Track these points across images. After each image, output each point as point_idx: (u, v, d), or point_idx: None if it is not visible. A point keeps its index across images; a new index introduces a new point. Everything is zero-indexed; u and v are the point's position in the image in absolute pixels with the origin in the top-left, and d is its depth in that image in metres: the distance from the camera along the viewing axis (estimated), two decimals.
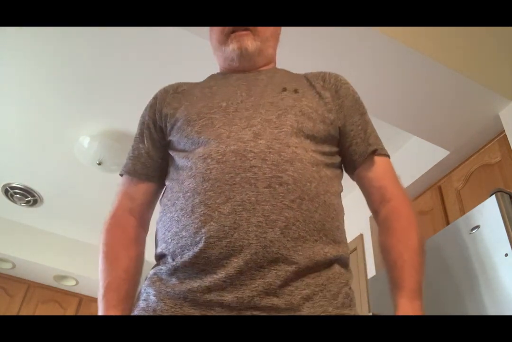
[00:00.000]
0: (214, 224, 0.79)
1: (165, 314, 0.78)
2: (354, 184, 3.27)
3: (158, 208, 1.00)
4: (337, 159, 0.99)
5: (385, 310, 1.99)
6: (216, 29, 1.09)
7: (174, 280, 0.81)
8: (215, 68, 2.30)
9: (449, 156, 2.44)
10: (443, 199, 2.48)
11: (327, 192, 0.90)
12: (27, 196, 3.46)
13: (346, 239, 0.95)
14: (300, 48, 1.97)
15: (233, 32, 1.06)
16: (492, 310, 1.49)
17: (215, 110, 0.94)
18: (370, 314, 2.01)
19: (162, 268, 0.84)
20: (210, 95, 0.99)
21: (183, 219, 0.83)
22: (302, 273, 0.78)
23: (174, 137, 0.97)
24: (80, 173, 3.21)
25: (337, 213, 0.95)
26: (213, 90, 1.02)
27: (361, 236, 2.86)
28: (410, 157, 2.75)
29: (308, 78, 1.05)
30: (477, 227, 1.65)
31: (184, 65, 2.46)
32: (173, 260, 0.82)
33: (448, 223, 2.31)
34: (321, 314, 0.77)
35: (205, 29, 1.89)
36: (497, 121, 2.18)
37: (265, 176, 0.82)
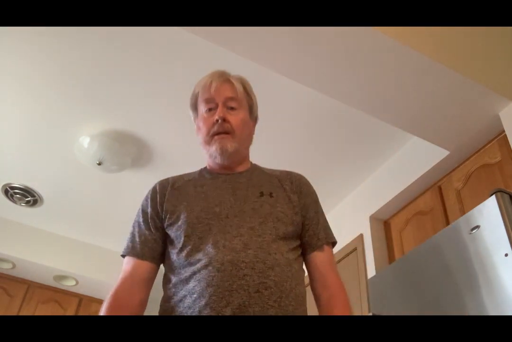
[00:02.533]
0: None
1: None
2: (353, 184, 3.30)
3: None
4: (300, 250, 1.23)
5: (385, 310, 1.98)
6: (203, 130, 1.29)
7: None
8: (213, 69, 2.27)
9: (449, 156, 2.43)
10: (443, 199, 2.48)
11: (297, 284, 1.12)
12: (27, 196, 3.46)
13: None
14: (300, 49, 1.97)
15: (216, 134, 1.26)
16: (492, 310, 1.49)
17: (211, 217, 1.15)
18: (370, 314, 2.01)
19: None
20: (203, 197, 1.21)
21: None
22: None
23: (173, 233, 1.17)
24: (80, 173, 3.21)
25: (303, 298, 1.13)
26: (204, 190, 1.24)
27: (361, 236, 2.86)
28: (410, 157, 2.75)
29: (279, 180, 1.29)
30: (477, 227, 1.65)
31: (184, 66, 2.46)
32: None
33: (448, 223, 2.30)
34: None
35: (206, 29, 1.90)
36: (497, 121, 2.18)
37: (254, 283, 1.04)
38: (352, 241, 2.92)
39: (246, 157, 1.36)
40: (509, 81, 2.12)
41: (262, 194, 1.22)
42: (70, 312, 3.95)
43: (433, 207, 2.51)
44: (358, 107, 2.25)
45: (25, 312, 3.75)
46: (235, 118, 1.28)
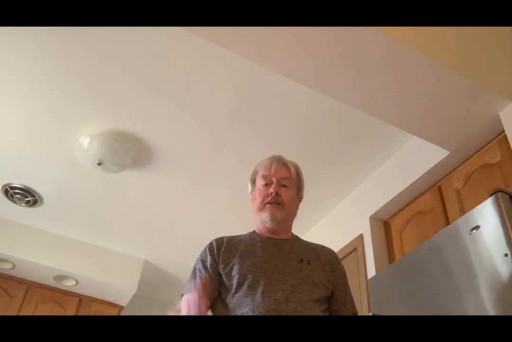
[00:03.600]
0: None
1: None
2: (354, 184, 3.32)
3: None
4: (327, 312, 1.41)
5: (385, 310, 1.98)
6: (258, 199, 1.52)
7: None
8: (213, 70, 2.31)
9: (449, 156, 2.43)
10: (443, 199, 2.47)
11: None
12: (27, 196, 3.46)
13: None
14: (300, 49, 1.96)
15: (269, 203, 1.49)
16: (492, 310, 1.49)
17: (259, 271, 1.37)
18: (370, 314, 2.01)
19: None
20: (253, 254, 1.43)
21: None
22: None
23: (227, 281, 1.38)
24: (80, 173, 3.21)
25: None
26: (254, 249, 1.46)
27: (361, 236, 2.86)
28: (410, 157, 2.75)
29: (315, 251, 1.51)
30: (477, 227, 1.65)
31: (184, 66, 2.46)
32: None
33: (448, 223, 2.30)
34: None
35: (206, 29, 1.90)
36: (497, 121, 2.18)
37: None
38: (352, 241, 2.92)
39: (290, 228, 1.57)
40: (509, 81, 2.12)
41: (301, 260, 1.44)
42: (70, 312, 3.95)
43: (433, 207, 2.51)
44: (358, 107, 2.25)
45: (25, 312, 3.75)
46: (286, 194, 1.51)
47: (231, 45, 1.98)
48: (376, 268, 2.61)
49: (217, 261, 1.44)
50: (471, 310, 1.57)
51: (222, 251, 1.46)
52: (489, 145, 2.31)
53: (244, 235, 1.56)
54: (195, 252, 1.57)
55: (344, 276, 1.51)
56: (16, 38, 2.37)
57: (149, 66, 2.48)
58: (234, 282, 1.36)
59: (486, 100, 2.11)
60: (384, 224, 2.89)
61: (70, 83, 2.59)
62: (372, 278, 2.19)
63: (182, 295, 1.39)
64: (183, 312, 1.30)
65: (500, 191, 1.63)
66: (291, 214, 1.55)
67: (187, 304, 1.30)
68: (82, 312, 3.98)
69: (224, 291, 1.39)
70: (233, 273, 1.38)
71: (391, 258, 2.69)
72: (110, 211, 3.60)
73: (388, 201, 2.76)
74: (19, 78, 2.59)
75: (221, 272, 1.41)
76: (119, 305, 4.19)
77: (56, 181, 3.32)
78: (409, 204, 2.73)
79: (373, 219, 2.87)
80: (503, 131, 2.18)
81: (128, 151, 2.96)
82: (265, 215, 1.49)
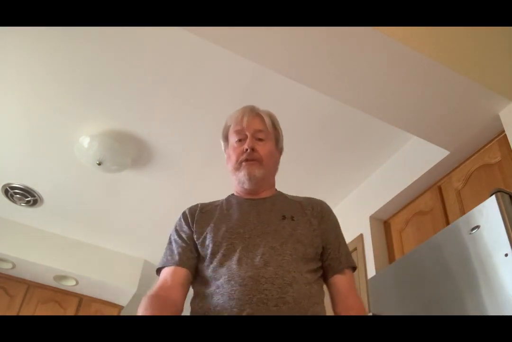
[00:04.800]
0: None
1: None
2: (354, 184, 3.31)
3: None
4: (320, 272, 1.29)
5: (385, 310, 1.98)
6: (233, 158, 1.40)
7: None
8: (214, 70, 2.30)
9: (449, 156, 2.43)
10: (443, 199, 2.47)
11: (315, 303, 1.19)
12: (27, 196, 3.46)
13: None
14: (300, 48, 1.97)
15: (245, 161, 1.36)
16: (492, 310, 1.49)
17: (235, 236, 1.25)
18: (370, 314, 2.01)
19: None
20: (229, 219, 1.31)
21: None
22: None
23: (202, 251, 1.27)
24: (80, 173, 3.21)
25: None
26: (230, 213, 1.34)
27: (361, 236, 2.86)
28: (410, 157, 2.75)
29: (301, 205, 1.38)
30: (477, 227, 1.65)
31: (184, 66, 2.46)
32: None
33: (448, 223, 2.30)
34: None
35: (206, 29, 1.90)
36: (497, 121, 2.18)
37: (273, 297, 1.11)
38: (352, 241, 2.92)
39: (272, 184, 1.46)
40: (509, 81, 2.12)
41: (284, 217, 1.31)
42: (70, 312, 3.95)
43: (433, 207, 2.51)
44: (358, 107, 2.25)
45: (25, 312, 3.75)
46: (263, 149, 1.38)
47: (231, 45, 1.98)
48: (376, 268, 2.61)
49: (192, 229, 1.33)
50: (471, 310, 1.57)
51: (195, 219, 1.34)
52: (489, 145, 2.31)
53: (222, 199, 1.44)
54: None
55: (335, 226, 1.38)
56: (16, 38, 2.37)
57: (149, 66, 2.48)
58: (208, 252, 1.25)
59: (486, 100, 2.11)
60: (384, 224, 2.89)
61: (70, 83, 2.59)
62: (372, 278, 2.19)
63: (158, 270, 1.30)
64: (143, 310, 1.14)
65: (500, 191, 1.63)
66: (271, 170, 1.42)
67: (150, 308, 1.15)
68: (82, 312, 3.99)
69: (200, 262, 1.28)
70: (207, 242, 1.27)
71: (391, 258, 2.69)
72: (110, 211, 3.60)
73: (388, 201, 2.76)
74: (19, 78, 2.59)
75: (196, 242, 1.30)
76: (119, 305, 4.19)
77: (56, 181, 3.32)
78: (409, 204, 2.73)
79: (373, 219, 2.87)
80: (503, 131, 2.18)
81: (128, 151, 2.96)
82: (242, 174, 1.36)
